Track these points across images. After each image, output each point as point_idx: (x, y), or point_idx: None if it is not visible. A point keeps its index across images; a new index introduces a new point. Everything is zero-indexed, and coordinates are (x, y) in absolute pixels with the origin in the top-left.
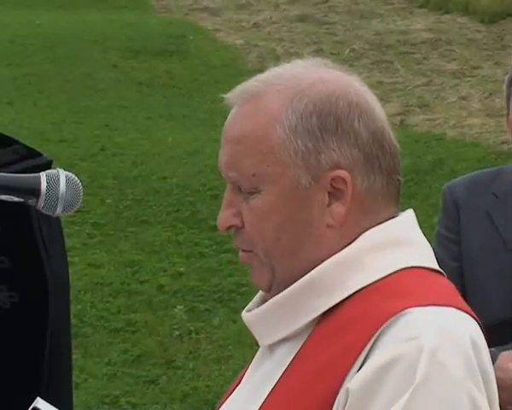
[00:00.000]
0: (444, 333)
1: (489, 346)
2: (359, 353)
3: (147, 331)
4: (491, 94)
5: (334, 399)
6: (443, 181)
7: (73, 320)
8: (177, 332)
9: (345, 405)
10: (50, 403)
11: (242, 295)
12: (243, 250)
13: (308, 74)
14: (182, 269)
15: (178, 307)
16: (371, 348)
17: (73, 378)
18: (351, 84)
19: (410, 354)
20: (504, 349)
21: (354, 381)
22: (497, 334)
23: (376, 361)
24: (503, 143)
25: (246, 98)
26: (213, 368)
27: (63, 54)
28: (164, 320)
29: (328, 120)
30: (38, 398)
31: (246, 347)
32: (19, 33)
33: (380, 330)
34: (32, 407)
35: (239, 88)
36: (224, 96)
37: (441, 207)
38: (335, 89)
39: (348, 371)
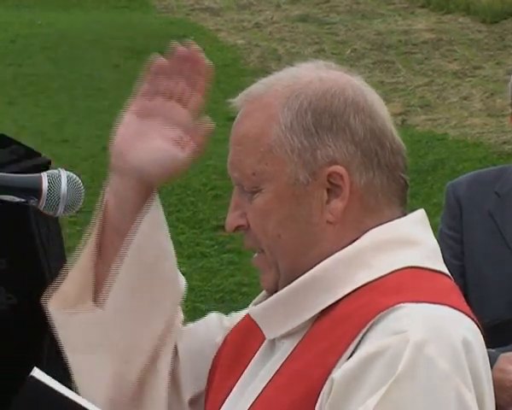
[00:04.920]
0: (433, 329)
1: (490, 346)
2: (348, 345)
3: None
4: (492, 94)
5: (321, 389)
6: (444, 181)
7: None
8: None
9: (329, 394)
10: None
11: (244, 296)
12: (257, 253)
13: (307, 74)
14: (183, 269)
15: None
16: (360, 340)
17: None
18: (349, 82)
19: (395, 346)
20: (505, 350)
21: (339, 371)
22: (499, 334)
23: (362, 353)
24: (504, 142)
25: (248, 100)
26: None
27: (64, 54)
28: None
29: (323, 117)
30: (35, 368)
31: None
32: (20, 33)
33: (370, 324)
34: (29, 375)
35: (244, 92)
36: (231, 100)
37: (444, 206)
38: (332, 86)
39: (336, 362)
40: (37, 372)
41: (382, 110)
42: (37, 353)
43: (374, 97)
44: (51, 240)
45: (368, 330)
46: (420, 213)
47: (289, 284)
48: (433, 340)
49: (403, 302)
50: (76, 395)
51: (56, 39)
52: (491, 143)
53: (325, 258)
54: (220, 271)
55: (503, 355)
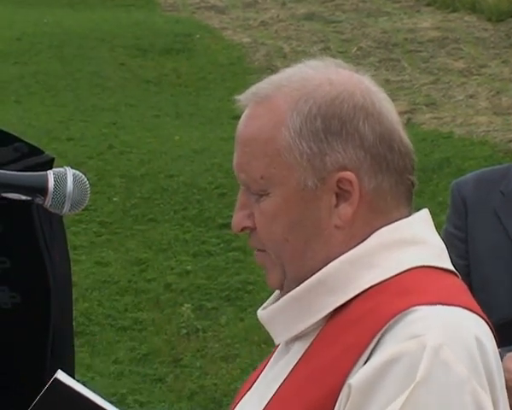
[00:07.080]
0: (449, 332)
1: (496, 346)
2: (364, 349)
3: (154, 330)
4: (498, 92)
5: (338, 395)
6: (450, 179)
7: (80, 319)
8: (184, 330)
9: (347, 401)
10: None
11: (249, 294)
12: (258, 250)
13: (316, 76)
14: (189, 267)
15: (186, 305)
16: (376, 344)
17: (80, 377)
18: (358, 85)
19: (412, 352)
20: (510, 350)
21: (356, 377)
22: (504, 334)
23: (379, 358)
24: (510, 141)
25: (256, 100)
26: (220, 366)
27: (71, 52)
28: (171, 319)
29: (332, 123)
30: (59, 370)
31: (253, 345)
32: (26, 31)
33: (385, 328)
34: (53, 377)
35: (250, 90)
36: (237, 97)
37: (449, 205)
38: (342, 91)
39: (352, 367)
40: (61, 374)
41: (391, 113)
42: (41, 352)
43: (383, 99)
44: (54, 239)
45: (383, 335)
46: (424, 213)
47: (295, 286)
48: (449, 344)
49: (416, 305)
50: (100, 399)
51: (62, 38)
52: (496, 141)
53: (332, 261)
54: (226, 269)
55: (508, 355)
